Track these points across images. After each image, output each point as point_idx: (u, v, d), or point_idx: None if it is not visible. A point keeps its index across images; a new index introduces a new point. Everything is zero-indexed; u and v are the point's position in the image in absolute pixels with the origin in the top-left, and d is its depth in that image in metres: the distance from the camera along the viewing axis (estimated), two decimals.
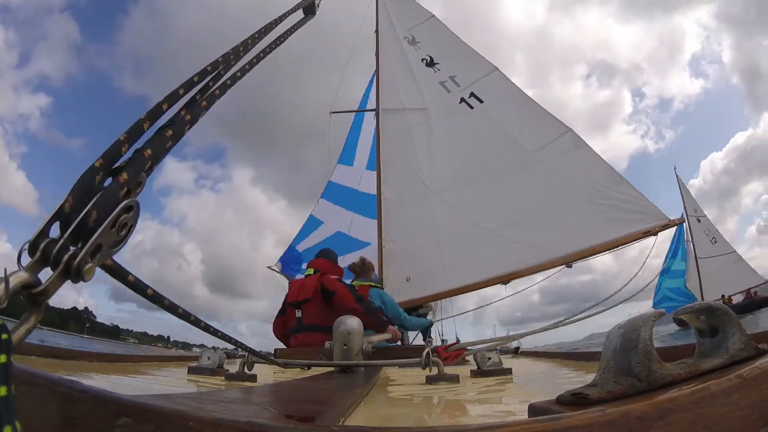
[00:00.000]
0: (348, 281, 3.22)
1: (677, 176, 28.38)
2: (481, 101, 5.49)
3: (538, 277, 4.82)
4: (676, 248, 25.18)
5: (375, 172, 6.65)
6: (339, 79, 8.06)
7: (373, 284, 3.58)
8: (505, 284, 4.61)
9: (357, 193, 7.42)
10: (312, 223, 7.41)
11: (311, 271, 2.95)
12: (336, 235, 7.09)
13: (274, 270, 6.69)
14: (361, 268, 3.62)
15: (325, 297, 2.73)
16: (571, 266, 4.39)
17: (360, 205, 7.18)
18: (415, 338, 4.82)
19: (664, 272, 24.46)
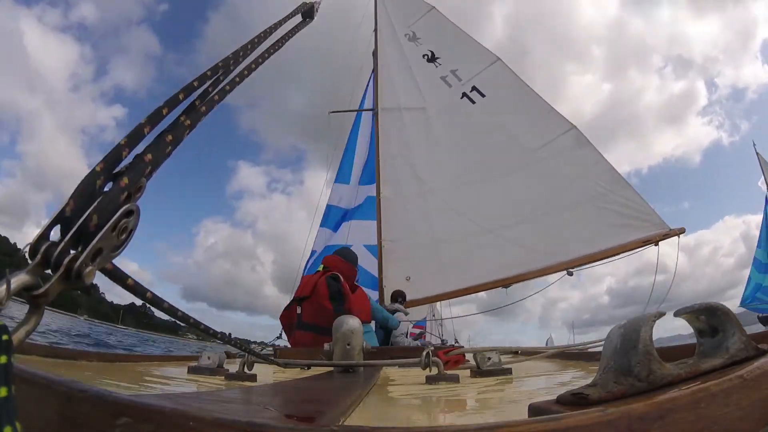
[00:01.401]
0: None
1: (757, 153, 23.81)
2: (483, 95, 5.39)
3: (538, 286, 4.77)
4: (763, 235, 21.38)
5: (368, 186, 6.51)
6: (339, 79, 8.02)
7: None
8: (506, 288, 4.58)
9: (347, 213, 7.00)
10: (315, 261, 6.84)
11: (321, 267, 2.96)
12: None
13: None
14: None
15: None
16: (572, 274, 4.31)
17: (359, 209, 6.82)
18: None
19: (755, 264, 21.14)
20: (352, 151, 7.53)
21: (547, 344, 12.80)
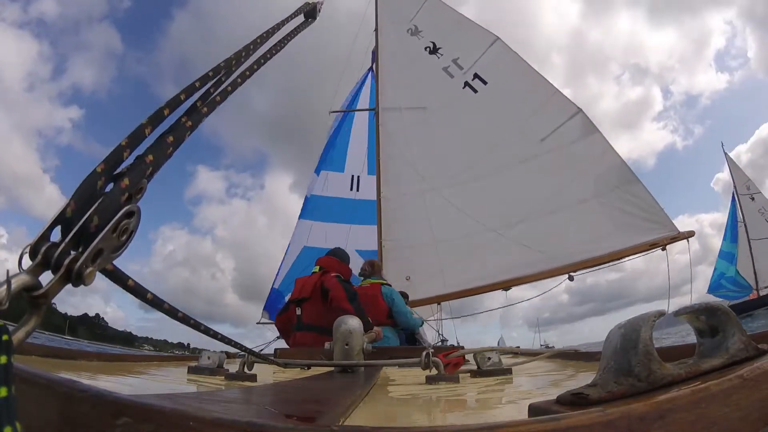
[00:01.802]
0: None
1: (725, 153, 25.94)
2: (485, 82, 5.27)
3: (534, 292, 4.70)
4: (728, 229, 23.58)
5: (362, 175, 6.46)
6: (338, 79, 8.02)
7: (384, 282, 3.53)
8: (506, 290, 4.52)
9: (349, 202, 6.99)
10: (290, 254, 6.90)
11: (317, 268, 2.95)
12: (303, 252, 6.57)
13: (264, 323, 6.35)
14: (371, 270, 3.60)
15: (324, 296, 2.73)
16: (572, 279, 4.21)
17: (359, 213, 6.77)
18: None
19: (721, 255, 23.28)
20: (344, 143, 7.51)
21: (498, 344, 12.95)
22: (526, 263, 4.40)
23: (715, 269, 23.85)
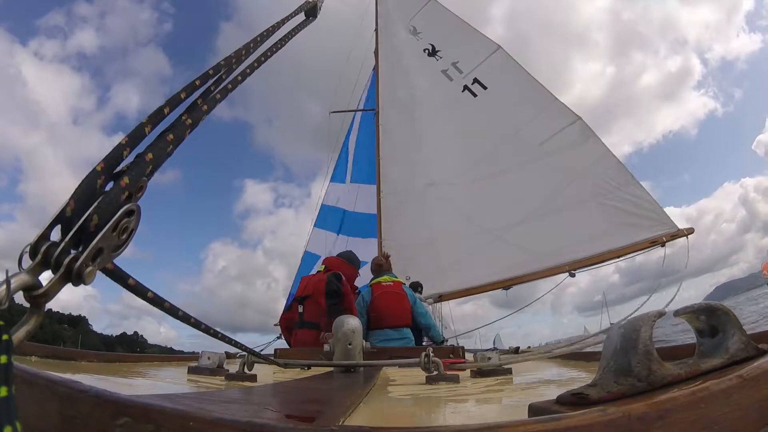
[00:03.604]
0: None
1: None
2: (484, 87, 5.30)
3: (541, 291, 4.68)
4: None
5: (364, 186, 6.34)
6: (338, 79, 7.99)
7: (402, 280, 3.48)
8: (506, 290, 4.52)
9: (345, 214, 6.90)
10: (308, 262, 6.74)
11: (322, 267, 2.98)
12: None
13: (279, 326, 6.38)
14: (388, 265, 3.52)
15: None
16: (574, 275, 4.22)
17: (353, 226, 6.68)
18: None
19: None
20: (346, 151, 7.51)
21: (494, 344, 12.88)
22: (526, 262, 4.41)
23: None
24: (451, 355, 1.93)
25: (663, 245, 4.03)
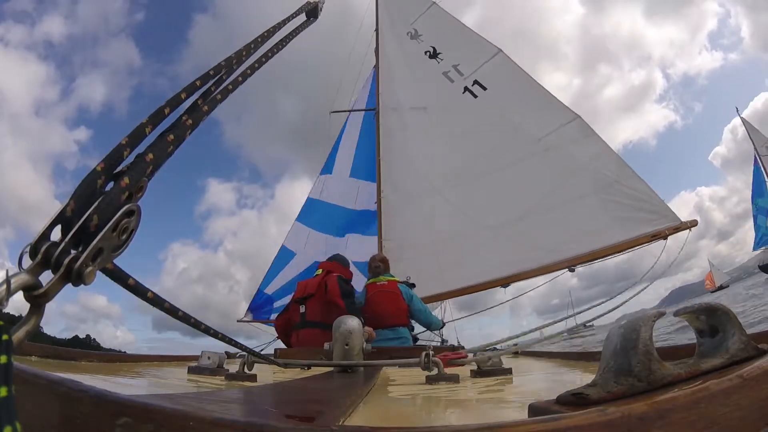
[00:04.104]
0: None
1: (741, 117, 29.20)
2: (484, 88, 5.34)
3: (540, 280, 4.67)
4: (758, 188, 26.99)
5: (357, 180, 6.32)
6: (339, 80, 8.00)
7: (400, 280, 3.49)
8: (505, 287, 4.52)
9: (342, 211, 6.68)
10: (283, 258, 6.58)
11: (320, 271, 3.00)
12: (313, 266, 6.09)
13: (245, 321, 6.18)
14: (384, 266, 3.50)
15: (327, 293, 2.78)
16: (573, 270, 4.21)
17: (355, 222, 6.50)
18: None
19: (760, 211, 26.64)
20: (336, 145, 7.39)
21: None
22: (526, 259, 4.39)
23: (757, 226, 27.32)
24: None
25: (665, 238, 3.97)
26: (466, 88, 5.44)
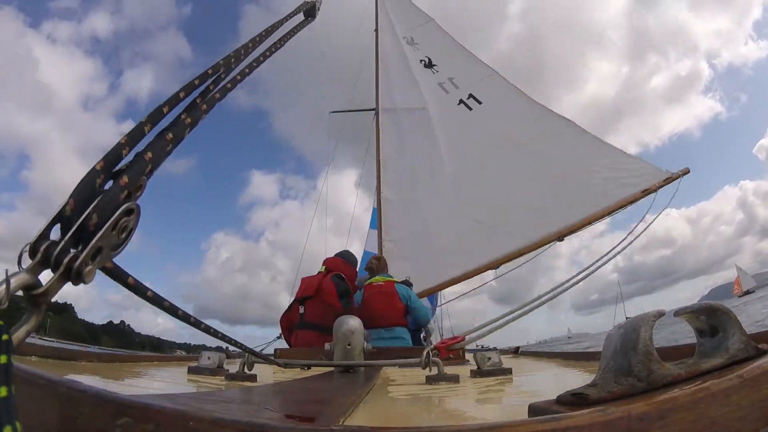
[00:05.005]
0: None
1: None
2: (479, 102, 5.47)
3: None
4: None
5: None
6: (338, 80, 7.97)
7: (396, 279, 3.47)
8: (495, 269, 4.59)
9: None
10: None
11: (323, 268, 2.97)
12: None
13: None
14: (378, 264, 3.52)
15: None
16: (562, 240, 4.34)
17: None
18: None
19: None
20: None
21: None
22: (514, 241, 4.50)
23: None
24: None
25: (656, 191, 4.08)
26: (461, 101, 5.56)
